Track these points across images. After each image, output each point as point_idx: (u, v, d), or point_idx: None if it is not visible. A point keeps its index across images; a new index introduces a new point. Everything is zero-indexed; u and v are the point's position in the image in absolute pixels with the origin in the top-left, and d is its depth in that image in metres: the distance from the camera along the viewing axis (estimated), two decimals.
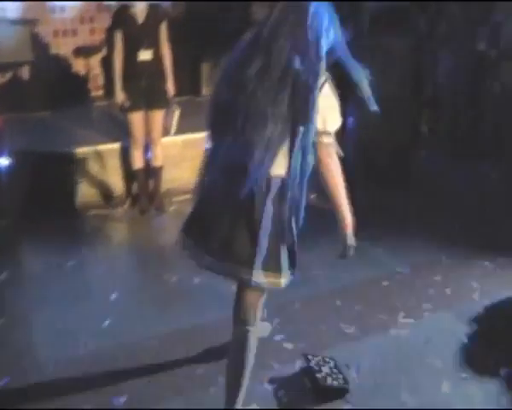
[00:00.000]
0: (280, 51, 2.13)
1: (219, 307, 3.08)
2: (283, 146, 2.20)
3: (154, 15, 4.54)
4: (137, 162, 4.79)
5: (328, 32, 2.19)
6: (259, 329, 2.55)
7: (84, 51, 6.68)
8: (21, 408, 2.72)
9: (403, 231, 4.41)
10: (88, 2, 6.51)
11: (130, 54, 4.49)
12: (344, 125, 2.39)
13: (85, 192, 4.99)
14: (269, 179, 2.23)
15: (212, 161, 2.37)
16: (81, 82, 6.68)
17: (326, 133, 2.24)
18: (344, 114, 2.31)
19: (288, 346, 3.13)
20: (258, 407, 2.69)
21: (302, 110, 2.14)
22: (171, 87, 4.66)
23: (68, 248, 4.23)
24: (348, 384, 2.80)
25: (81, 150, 4.98)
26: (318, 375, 2.81)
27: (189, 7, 6.61)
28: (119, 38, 4.51)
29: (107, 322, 3.32)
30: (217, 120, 2.34)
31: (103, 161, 5.04)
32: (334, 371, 2.85)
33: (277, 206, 2.26)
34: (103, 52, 6.58)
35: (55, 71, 6.33)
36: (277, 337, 3.18)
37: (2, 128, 4.49)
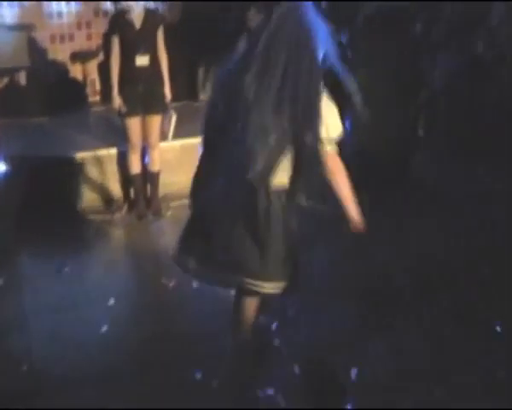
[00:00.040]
0: (277, 61, 2.13)
1: (218, 311, 3.08)
2: (285, 155, 2.20)
3: (150, 20, 4.54)
4: (135, 167, 4.79)
5: (323, 42, 2.20)
6: None
7: (81, 56, 6.70)
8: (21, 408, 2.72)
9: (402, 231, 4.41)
10: (84, 8, 6.52)
11: (127, 59, 4.49)
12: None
13: (83, 197, 4.99)
14: (271, 189, 2.24)
15: (208, 175, 2.36)
16: (78, 87, 6.70)
17: (329, 140, 2.25)
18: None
19: (286, 349, 3.12)
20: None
21: (305, 119, 2.15)
22: (168, 92, 4.66)
23: (66, 253, 4.22)
24: (348, 385, 2.80)
25: (78, 155, 4.99)
26: (318, 376, 2.81)
27: (186, 11, 6.62)
28: (115, 43, 4.51)
29: (104, 327, 3.31)
30: (213, 133, 2.34)
31: (101, 166, 5.04)
32: (334, 372, 2.85)
33: (281, 215, 2.28)
34: (100, 57, 6.60)
35: (52, 76, 6.35)
36: (276, 341, 3.17)
37: None
